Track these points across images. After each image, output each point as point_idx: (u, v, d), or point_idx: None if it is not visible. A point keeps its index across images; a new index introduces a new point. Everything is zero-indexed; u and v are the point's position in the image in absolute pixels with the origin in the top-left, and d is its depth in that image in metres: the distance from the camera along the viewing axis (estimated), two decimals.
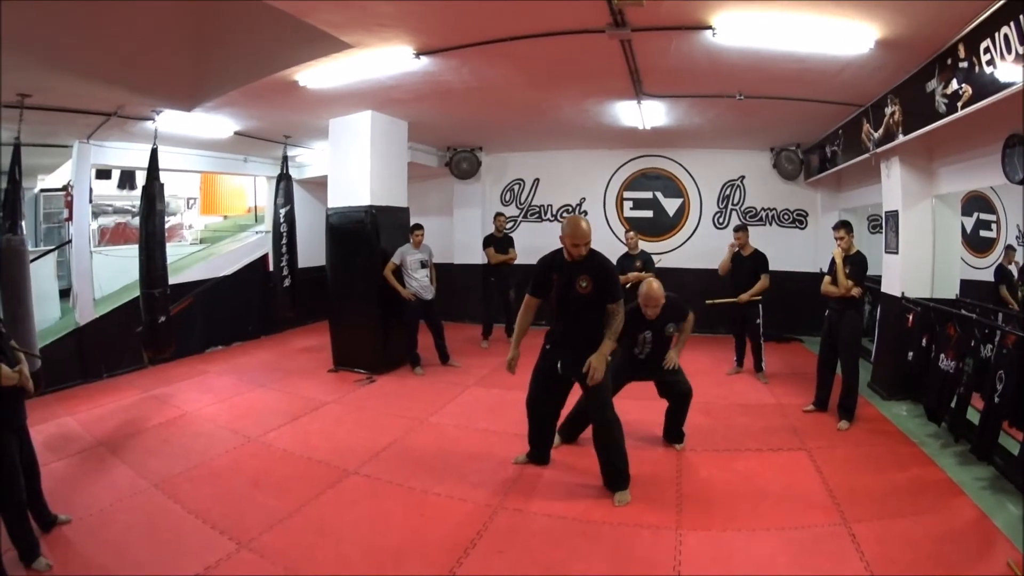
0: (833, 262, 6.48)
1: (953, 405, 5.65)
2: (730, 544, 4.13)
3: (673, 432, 5.81)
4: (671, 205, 11.90)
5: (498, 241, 10.09)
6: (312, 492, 4.79)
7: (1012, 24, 3.99)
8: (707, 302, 7.87)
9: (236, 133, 8.77)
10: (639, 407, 5.86)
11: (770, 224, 11.49)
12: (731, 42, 5.42)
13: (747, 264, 8.01)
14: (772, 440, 5.92)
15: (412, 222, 8.79)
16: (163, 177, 7.74)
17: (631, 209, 12.03)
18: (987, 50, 4.36)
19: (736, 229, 8.29)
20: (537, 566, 3.85)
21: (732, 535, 4.23)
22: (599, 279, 4.73)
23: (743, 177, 11.59)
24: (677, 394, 5.72)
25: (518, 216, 12.39)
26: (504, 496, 4.76)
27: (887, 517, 4.39)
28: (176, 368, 8.65)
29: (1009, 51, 4.09)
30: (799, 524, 4.35)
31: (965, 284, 7.80)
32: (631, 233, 9.27)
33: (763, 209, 11.53)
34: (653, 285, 5.51)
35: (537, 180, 12.39)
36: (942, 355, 5.87)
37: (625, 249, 9.19)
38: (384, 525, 4.36)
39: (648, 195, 11.97)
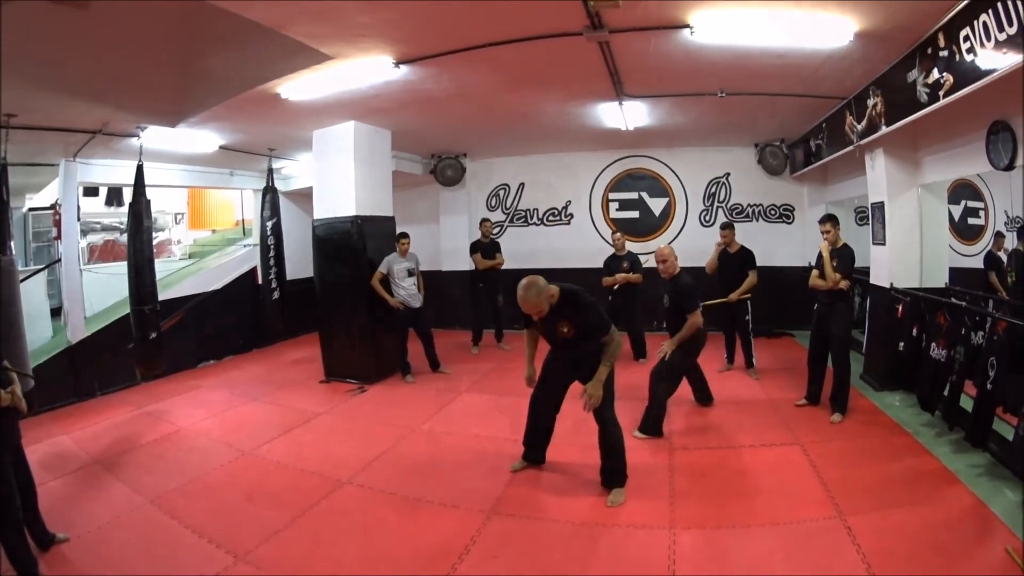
0: (820, 256, 6.50)
1: (946, 393, 5.66)
2: (724, 542, 4.15)
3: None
4: (657, 205, 11.95)
5: (485, 247, 10.05)
6: (306, 503, 4.79)
7: (990, 11, 4.01)
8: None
9: (221, 147, 8.75)
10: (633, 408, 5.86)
11: (757, 220, 11.54)
12: (710, 40, 5.43)
13: (735, 261, 8.02)
14: (765, 436, 5.93)
15: (398, 231, 8.77)
16: (150, 193, 7.70)
17: (617, 210, 12.08)
18: (967, 38, 4.38)
19: (722, 227, 8.32)
20: (532, 569, 3.87)
21: (726, 533, 4.25)
22: (579, 323, 4.74)
23: (728, 174, 11.65)
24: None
25: (504, 221, 12.39)
26: (498, 501, 4.76)
27: (883, 508, 4.41)
28: (169, 384, 8.63)
29: (989, 39, 4.11)
30: (794, 519, 4.36)
31: (954, 272, 7.82)
32: (618, 235, 9.29)
33: (749, 205, 11.60)
34: (664, 247, 6.08)
35: (522, 184, 12.41)
36: (933, 344, 5.88)
37: (612, 250, 9.23)
38: (378, 534, 4.36)
39: (634, 196, 12.02)
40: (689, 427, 5.60)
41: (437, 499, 4.83)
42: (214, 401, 7.76)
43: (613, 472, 4.81)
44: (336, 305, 8.69)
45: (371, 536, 4.33)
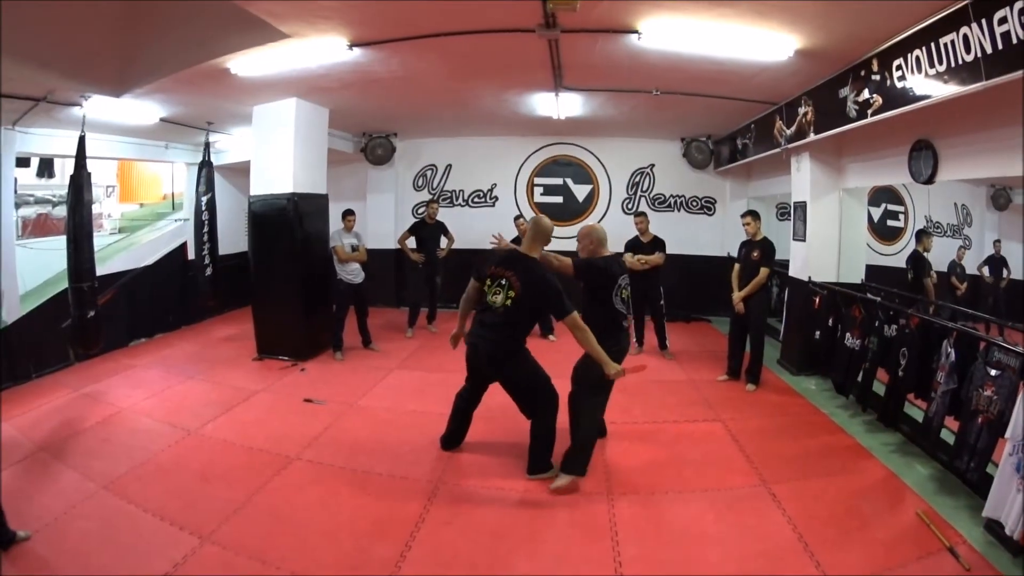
0: (741, 249, 7.33)
1: (859, 379, 6.20)
2: (659, 505, 4.54)
3: None
4: (581, 191, 12.29)
5: (429, 228, 10.22)
6: (259, 480, 4.86)
7: (923, 48, 4.45)
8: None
9: (161, 119, 8.54)
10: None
11: (679, 210, 12.01)
12: (655, 45, 5.68)
13: (647, 249, 8.35)
14: (688, 413, 6.34)
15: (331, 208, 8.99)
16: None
17: (542, 195, 12.37)
18: (899, 67, 4.84)
19: (636, 215, 8.85)
20: (484, 533, 4.15)
21: (660, 497, 4.63)
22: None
23: (653, 165, 12.04)
24: None
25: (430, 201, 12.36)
26: (442, 472, 5.02)
27: (804, 478, 4.89)
28: (103, 364, 8.38)
29: (920, 70, 4.55)
30: (722, 486, 4.78)
31: (871, 269, 8.34)
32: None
33: (672, 196, 12.04)
34: (586, 225, 5.48)
35: (449, 166, 12.54)
36: (848, 334, 6.40)
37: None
38: (335, 506, 4.51)
39: (559, 181, 12.32)
40: (614, 405, 5.57)
41: (385, 471, 5.02)
42: (151, 380, 7.62)
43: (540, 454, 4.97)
44: (270, 282, 8.67)
45: (328, 509, 4.46)
